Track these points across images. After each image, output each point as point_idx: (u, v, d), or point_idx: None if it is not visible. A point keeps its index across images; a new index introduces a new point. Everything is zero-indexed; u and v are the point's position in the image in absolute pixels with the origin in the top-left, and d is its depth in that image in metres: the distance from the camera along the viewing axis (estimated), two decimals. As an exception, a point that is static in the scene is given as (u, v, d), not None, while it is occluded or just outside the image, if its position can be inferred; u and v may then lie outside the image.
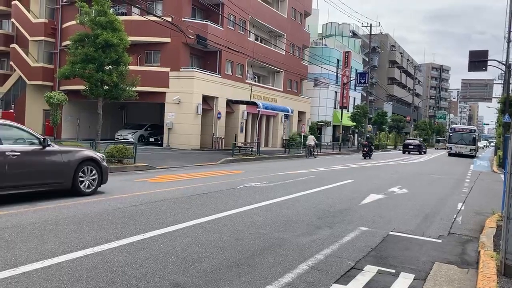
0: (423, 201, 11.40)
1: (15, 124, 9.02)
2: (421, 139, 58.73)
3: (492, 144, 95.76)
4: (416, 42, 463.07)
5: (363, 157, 31.12)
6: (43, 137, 8.84)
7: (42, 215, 7.32)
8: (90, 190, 9.69)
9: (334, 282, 4.85)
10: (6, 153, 8.04)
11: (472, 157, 41.56)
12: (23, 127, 9.07)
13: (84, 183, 9.58)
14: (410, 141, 48.36)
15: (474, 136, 43.38)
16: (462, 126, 53.29)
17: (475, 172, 23.55)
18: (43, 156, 8.81)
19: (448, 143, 44.71)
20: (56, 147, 9.26)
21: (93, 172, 9.82)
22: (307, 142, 30.21)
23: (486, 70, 27.25)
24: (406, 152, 45.09)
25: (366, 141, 33.43)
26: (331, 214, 8.84)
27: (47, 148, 8.90)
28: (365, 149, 31.44)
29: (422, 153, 45.34)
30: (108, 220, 7.15)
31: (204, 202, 9.36)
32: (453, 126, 54.01)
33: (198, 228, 6.92)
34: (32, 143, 8.76)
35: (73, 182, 9.31)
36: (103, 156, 10.64)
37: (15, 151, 8.22)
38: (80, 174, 9.46)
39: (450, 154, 42.74)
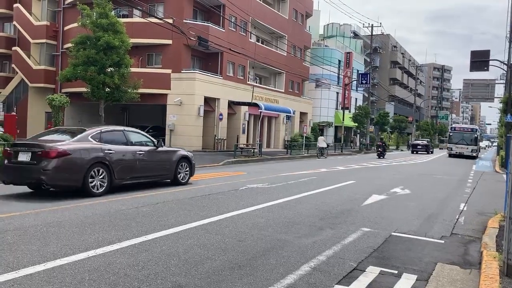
0: (425, 202, 11.38)
1: (138, 130, 11.92)
2: (429, 139, 61.46)
3: (494, 144, 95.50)
4: (418, 42, 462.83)
5: (377, 157, 33.72)
6: (156, 140, 11.59)
7: (45, 217, 7.33)
8: (185, 181, 12.49)
9: (336, 283, 4.84)
10: (137, 152, 10.85)
11: (474, 158, 39.35)
12: (143, 132, 12.01)
13: (180, 175, 12.33)
14: (418, 142, 51.83)
15: (475, 135, 40.91)
16: (463, 126, 50.14)
17: (478, 172, 23.50)
18: (157, 155, 11.55)
19: (448, 143, 42.04)
20: (164, 148, 12.11)
21: (187, 167, 12.60)
22: (318, 144, 31.72)
23: (488, 70, 27.23)
24: (415, 152, 47.68)
25: (380, 142, 36.60)
26: (333, 215, 8.83)
27: (159, 149, 11.61)
28: (379, 149, 34.37)
29: (430, 152, 47.80)
30: (110, 222, 7.16)
31: (206, 204, 9.36)
32: (454, 125, 50.59)
33: (200, 230, 6.93)
34: (148, 145, 11.42)
35: (175, 174, 12.11)
36: (192, 155, 13.06)
37: (141, 151, 10.98)
38: (179, 168, 12.25)
39: (450, 155, 40.39)
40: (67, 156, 9.24)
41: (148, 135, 11.92)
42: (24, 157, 9.35)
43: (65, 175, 9.29)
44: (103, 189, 9.84)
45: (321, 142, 31.36)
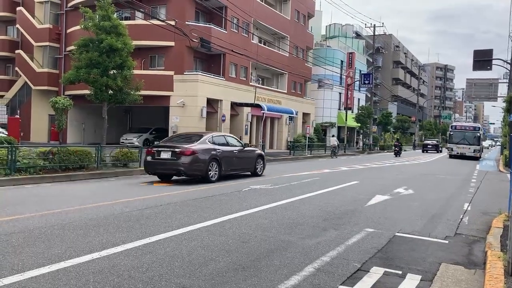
0: (429, 202, 11.36)
1: (231, 134, 16.86)
2: (438, 139, 64.53)
3: (498, 143, 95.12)
4: (420, 42, 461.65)
5: (394, 155, 38.58)
6: (244, 142, 15.97)
7: (49, 219, 7.36)
8: (260, 173, 16.34)
9: (341, 284, 4.84)
10: (233, 151, 14.77)
11: (477, 158, 36.69)
12: (233, 136, 16.30)
13: (258, 168, 16.13)
14: (428, 142, 55.07)
15: (478, 134, 37.83)
16: (464, 124, 47.52)
17: (481, 172, 23.43)
18: (244, 153, 15.48)
19: (449, 143, 38.78)
20: (248, 148, 16.30)
21: (261, 162, 16.54)
22: (330, 144, 35.07)
23: (491, 69, 27.16)
24: (425, 151, 50.44)
25: (396, 142, 41.28)
26: (337, 215, 8.82)
27: (245, 148, 15.74)
28: (396, 148, 39.46)
29: (439, 151, 50.85)
30: (114, 224, 7.18)
31: (210, 205, 9.37)
32: (454, 123, 46.41)
33: (204, 231, 6.93)
34: (238, 146, 15.42)
35: (254, 168, 15.99)
36: (264, 153, 17.61)
37: (235, 150, 14.92)
38: (257, 163, 16.07)
39: (451, 156, 37.64)
40: (196, 154, 13.11)
41: (237, 138, 16.41)
42: (165, 155, 13.28)
43: (195, 167, 13.17)
44: (216, 177, 13.67)
45: (334, 141, 34.25)
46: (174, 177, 14.11)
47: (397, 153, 38.56)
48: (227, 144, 14.76)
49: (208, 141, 13.87)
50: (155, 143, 31.72)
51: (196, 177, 13.52)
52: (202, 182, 13.31)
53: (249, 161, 15.70)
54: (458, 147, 37.30)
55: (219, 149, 13.91)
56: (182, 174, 13.22)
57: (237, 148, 15.06)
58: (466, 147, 36.95)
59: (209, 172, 13.40)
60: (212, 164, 13.53)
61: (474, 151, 36.84)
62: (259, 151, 17.09)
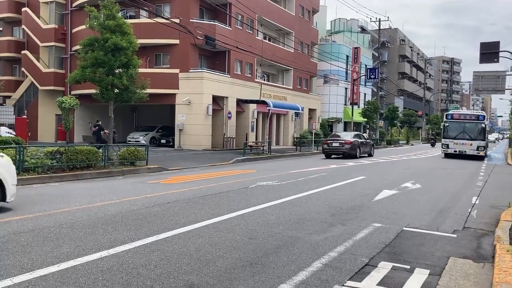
0: (437, 196, 11.31)
1: (360, 132, 35.50)
2: None
3: (506, 136, 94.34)
4: (426, 36, 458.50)
5: (431, 146, 48.43)
6: (367, 137, 32.76)
7: (57, 218, 7.41)
8: (373, 155, 28.67)
9: (349, 279, 4.84)
10: (361, 141, 27.44)
11: (481, 158, 27.43)
12: (362, 133, 33.88)
13: (371, 152, 28.86)
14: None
15: (483, 125, 27.66)
16: (464, 111, 36.54)
17: (489, 165, 23.28)
18: (366, 143, 28.53)
19: (443, 138, 28.63)
20: (368, 140, 30.14)
21: (373, 149, 29.40)
22: None
23: (498, 62, 26.83)
24: (433, 145, 50.76)
25: (432, 136, 50.46)
26: (344, 211, 8.81)
27: (366, 140, 29.23)
28: (431, 140, 50.12)
29: None
30: (122, 223, 7.21)
31: (217, 202, 9.39)
32: (451, 111, 35.28)
33: (211, 228, 6.95)
34: (363, 138, 29.10)
35: (370, 152, 28.41)
36: (373, 142, 31.07)
37: (362, 141, 27.67)
38: (371, 149, 28.85)
39: (446, 155, 28.29)
40: (352, 143, 25.62)
41: (362, 134, 33.58)
42: (335, 144, 25.99)
43: (351, 151, 25.42)
44: (358, 155, 25.98)
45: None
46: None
47: (433, 144, 48.55)
48: (360, 138, 27.80)
49: (354, 136, 27.16)
50: (162, 141, 32.08)
51: (352, 157, 25.23)
52: (347, 158, 25.18)
53: (368, 147, 28.33)
54: (455, 143, 27.67)
55: (358, 140, 26.61)
56: (346, 155, 25.32)
57: (364, 140, 28.37)
58: (467, 143, 27.28)
59: (357, 154, 25.73)
60: (358, 148, 26.04)
61: (478, 148, 27.00)
62: (372, 142, 30.27)
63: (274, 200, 9.86)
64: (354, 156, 25.43)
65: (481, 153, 27.05)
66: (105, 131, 22.03)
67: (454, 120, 28.36)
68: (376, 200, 10.31)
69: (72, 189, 11.23)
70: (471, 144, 27.15)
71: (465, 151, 27.18)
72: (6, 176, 8.01)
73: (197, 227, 7.02)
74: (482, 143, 27.27)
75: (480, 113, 29.02)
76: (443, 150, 28.47)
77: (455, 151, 27.57)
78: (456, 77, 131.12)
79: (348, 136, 26.93)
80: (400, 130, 68.88)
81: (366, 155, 27.89)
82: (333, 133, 38.01)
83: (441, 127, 28.06)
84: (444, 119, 29.14)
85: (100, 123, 23.87)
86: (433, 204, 9.98)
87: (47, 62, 35.51)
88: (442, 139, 28.60)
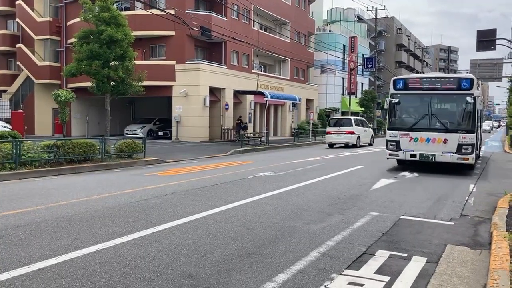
0: (434, 184, 11.34)
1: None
2: None
3: (503, 124, 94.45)
4: (423, 24, 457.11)
5: None
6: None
7: (55, 212, 7.40)
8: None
9: (346, 268, 4.85)
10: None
11: (467, 168, 14.46)
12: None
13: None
14: None
15: (467, 101, 13.39)
16: (431, 75, 16.02)
17: (487, 153, 23.33)
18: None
19: (389, 129, 14.81)
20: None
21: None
22: None
23: (495, 50, 26.85)
24: None
25: None
26: (342, 200, 8.83)
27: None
28: None
29: None
30: (120, 215, 7.21)
31: (215, 194, 9.39)
32: (404, 77, 15.52)
33: (209, 220, 6.96)
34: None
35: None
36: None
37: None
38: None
39: (399, 162, 15.82)
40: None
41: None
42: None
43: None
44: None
45: None
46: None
47: None
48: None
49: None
50: (159, 133, 32.03)
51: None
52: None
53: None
54: (413, 138, 14.14)
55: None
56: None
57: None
58: (437, 138, 13.83)
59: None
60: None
61: (460, 148, 13.48)
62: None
63: (272, 190, 9.87)
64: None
65: (467, 159, 13.34)
66: (245, 123, 30.92)
67: (409, 93, 14.37)
68: (373, 189, 10.33)
69: (69, 182, 11.21)
70: (445, 141, 13.57)
71: (433, 156, 13.65)
72: None
73: (194, 218, 7.03)
74: (469, 137, 13.36)
75: (461, 76, 14.29)
76: (390, 153, 14.47)
77: (413, 156, 13.95)
78: (453, 65, 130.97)
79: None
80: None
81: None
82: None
83: (385, 106, 15.05)
84: (391, 91, 14.63)
85: (241, 117, 31.64)
86: (430, 192, 10.01)
87: (42, 55, 35.28)
88: (387, 131, 14.69)
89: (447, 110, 14.03)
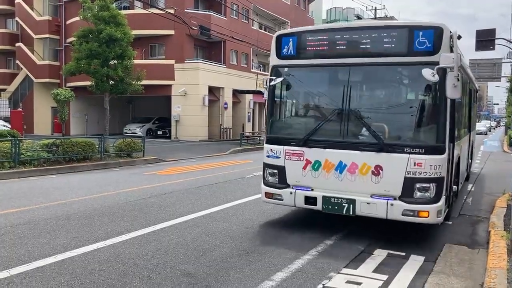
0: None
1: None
2: None
3: (502, 124, 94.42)
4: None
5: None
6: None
7: (54, 210, 7.41)
8: None
9: (344, 267, 4.87)
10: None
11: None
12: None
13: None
14: None
15: (431, 77, 5.28)
16: (351, 24, 7.38)
17: (486, 153, 23.35)
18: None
19: (268, 140, 6.78)
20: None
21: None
22: None
23: (494, 49, 26.78)
24: None
25: None
26: (340, 199, 8.83)
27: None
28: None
29: None
30: (119, 214, 7.22)
31: (213, 193, 9.41)
32: (296, 30, 7.26)
33: (208, 218, 6.97)
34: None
35: None
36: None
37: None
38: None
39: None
40: None
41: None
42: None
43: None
44: None
45: None
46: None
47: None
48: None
49: None
50: (158, 132, 32.02)
51: None
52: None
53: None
54: (313, 167, 6.12)
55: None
56: None
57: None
58: (362, 167, 5.83)
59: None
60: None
61: (411, 187, 5.53)
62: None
63: (271, 189, 9.86)
64: None
65: (425, 212, 5.48)
66: None
67: (307, 63, 6.77)
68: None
69: (68, 181, 11.22)
70: (376, 170, 5.80)
71: (352, 203, 5.87)
72: None
73: (193, 217, 7.04)
74: (431, 161, 5.53)
75: (416, 25, 5.82)
76: (267, 193, 6.50)
77: (311, 202, 6.13)
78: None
79: None
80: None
81: None
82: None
83: (265, 96, 7.30)
84: (273, 61, 7.24)
85: None
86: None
87: (41, 54, 35.24)
88: (265, 145, 6.82)
89: (383, 101, 6.45)
